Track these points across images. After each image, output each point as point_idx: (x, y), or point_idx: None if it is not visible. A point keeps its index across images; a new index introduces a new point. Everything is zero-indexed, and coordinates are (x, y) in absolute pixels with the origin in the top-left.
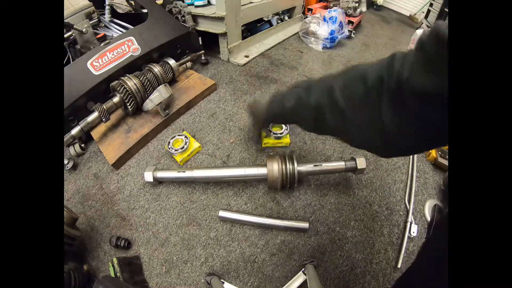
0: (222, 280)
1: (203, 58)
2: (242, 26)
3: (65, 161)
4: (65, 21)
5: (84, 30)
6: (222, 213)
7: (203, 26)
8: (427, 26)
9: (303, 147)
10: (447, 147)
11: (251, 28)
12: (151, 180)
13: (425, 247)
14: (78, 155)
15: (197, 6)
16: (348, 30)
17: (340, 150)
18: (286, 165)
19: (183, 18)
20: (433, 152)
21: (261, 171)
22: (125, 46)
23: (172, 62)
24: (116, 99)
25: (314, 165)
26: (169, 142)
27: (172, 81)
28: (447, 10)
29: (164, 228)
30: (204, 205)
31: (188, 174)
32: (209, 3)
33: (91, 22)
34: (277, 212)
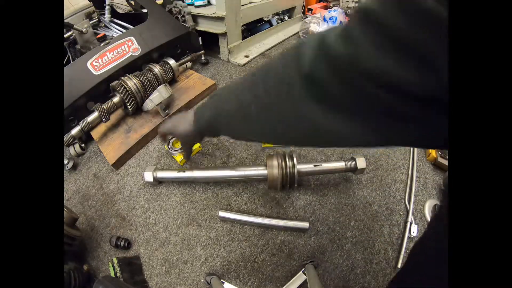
0: (222, 280)
1: (203, 58)
2: (242, 26)
3: (65, 161)
4: (65, 21)
5: (84, 30)
6: (222, 213)
7: (203, 26)
8: None
9: (303, 147)
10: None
11: (251, 28)
12: (151, 180)
13: (418, 245)
14: (78, 155)
15: (197, 6)
16: None
17: (340, 150)
18: (286, 165)
19: (183, 18)
20: (433, 152)
21: (261, 171)
22: (125, 46)
23: (172, 62)
24: (116, 99)
25: (314, 165)
26: (169, 142)
27: (172, 81)
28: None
29: (164, 228)
30: (204, 205)
31: (188, 174)
32: (209, 3)
33: (91, 22)
34: (277, 212)
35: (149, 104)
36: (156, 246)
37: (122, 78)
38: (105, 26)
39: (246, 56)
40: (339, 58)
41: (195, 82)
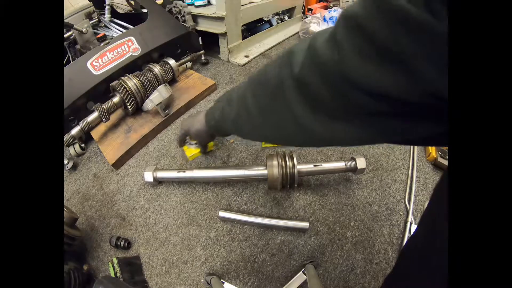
0: (222, 280)
1: (203, 58)
2: (242, 26)
3: (65, 161)
4: (65, 21)
5: (84, 30)
6: (222, 213)
7: (203, 26)
8: None
9: (303, 147)
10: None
11: (251, 28)
12: (151, 180)
13: (411, 243)
14: (78, 155)
15: (197, 6)
16: None
17: (340, 150)
18: (286, 165)
19: (183, 18)
20: (433, 152)
21: (261, 171)
22: (125, 46)
23: (172, 62)
24: (116, 99)
25: (314, 165)
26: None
27: (172, 81)
28: None
29: (164, 228)
30: (204, 205)
31: (188, 174)
32: (209, 3)
33: (91, 22)
34: (277, 212)
35: (149, 104)
36: (156, 246)
37: (122, 78)
38: (105, 26)
39: (246, 56)
40: (325, 64)
41: (195, 82)
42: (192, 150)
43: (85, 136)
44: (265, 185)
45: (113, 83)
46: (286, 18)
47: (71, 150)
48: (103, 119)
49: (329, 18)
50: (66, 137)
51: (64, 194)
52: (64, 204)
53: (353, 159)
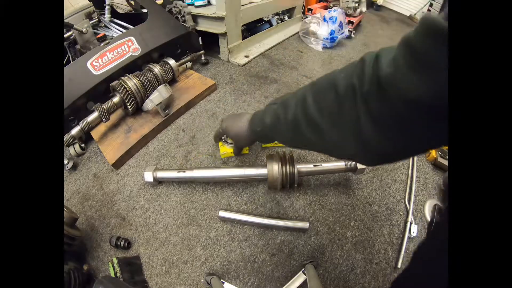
0: (222, 280)
1: (203, 58)
2: (242, 26)
3: (65, 161)
4: (65, 21)
5: (84, 30)
6: (222, 213)
7: (203, 26)
8: None
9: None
10: (447, 147)
11: (251, 28)
12: (151, 180)
13: (423, 247)
14: (78, 155)
15: (197, 6)
16: (348, 30)
17: None
18: (286, 165)
19: (183, 18)
20: (433, 152)
21: (261, 171)
22: (125, 46)
23: (172, 62)
24: (116, 99)
25: (314, 165)
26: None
27: (172, 81)
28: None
29: (164, 228)
30: (204, 205)
31: (188, 174)
32: (209, 3)
33: (91, 22)
34: (277, 212)
35: (149, 104)
36: (156, 246)
37: (122, 78)
38: (105, 26)
39: (246, 56)
40: (384, 78)
41: (195, 82)
42: (226, 149)
43: (85, 136)
44: (265, 185)
45: (113, 83)
46: (286, 18)
47: (71, 150)
48: (103, 119)
49: (329, 18)
50: (66, 137)
51: (64, 194)
52: (64, 204)
53: None
